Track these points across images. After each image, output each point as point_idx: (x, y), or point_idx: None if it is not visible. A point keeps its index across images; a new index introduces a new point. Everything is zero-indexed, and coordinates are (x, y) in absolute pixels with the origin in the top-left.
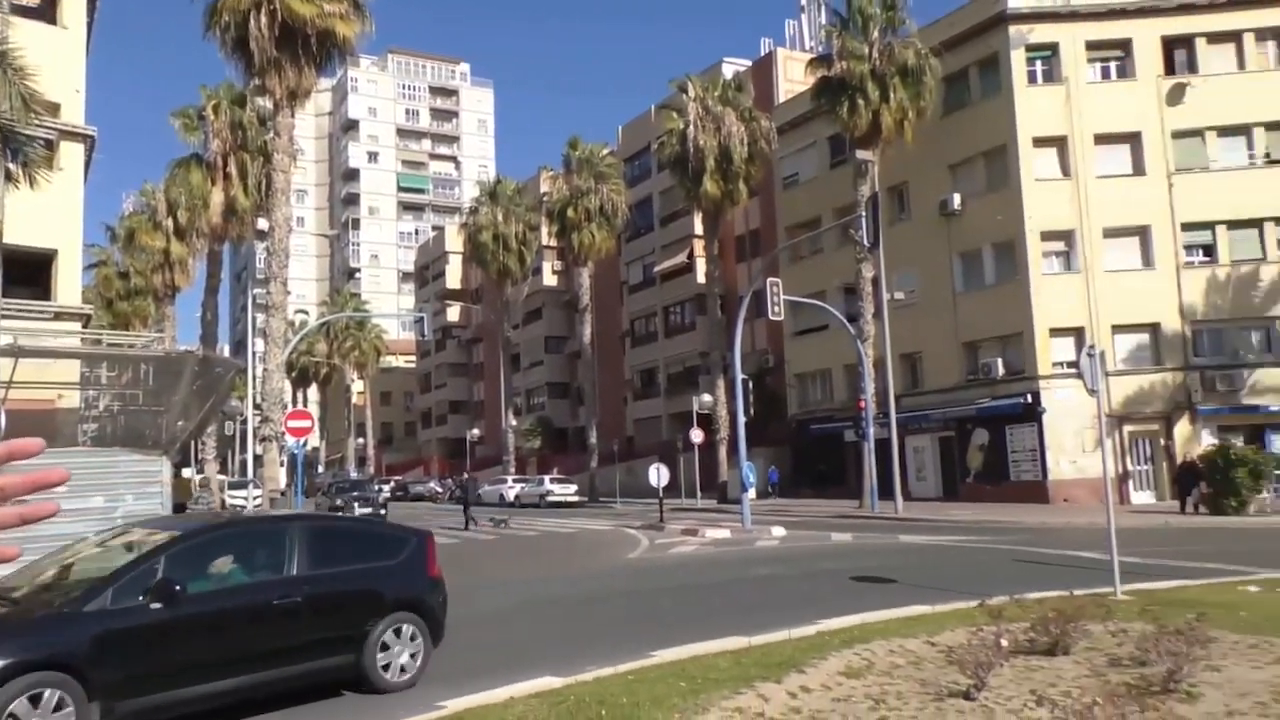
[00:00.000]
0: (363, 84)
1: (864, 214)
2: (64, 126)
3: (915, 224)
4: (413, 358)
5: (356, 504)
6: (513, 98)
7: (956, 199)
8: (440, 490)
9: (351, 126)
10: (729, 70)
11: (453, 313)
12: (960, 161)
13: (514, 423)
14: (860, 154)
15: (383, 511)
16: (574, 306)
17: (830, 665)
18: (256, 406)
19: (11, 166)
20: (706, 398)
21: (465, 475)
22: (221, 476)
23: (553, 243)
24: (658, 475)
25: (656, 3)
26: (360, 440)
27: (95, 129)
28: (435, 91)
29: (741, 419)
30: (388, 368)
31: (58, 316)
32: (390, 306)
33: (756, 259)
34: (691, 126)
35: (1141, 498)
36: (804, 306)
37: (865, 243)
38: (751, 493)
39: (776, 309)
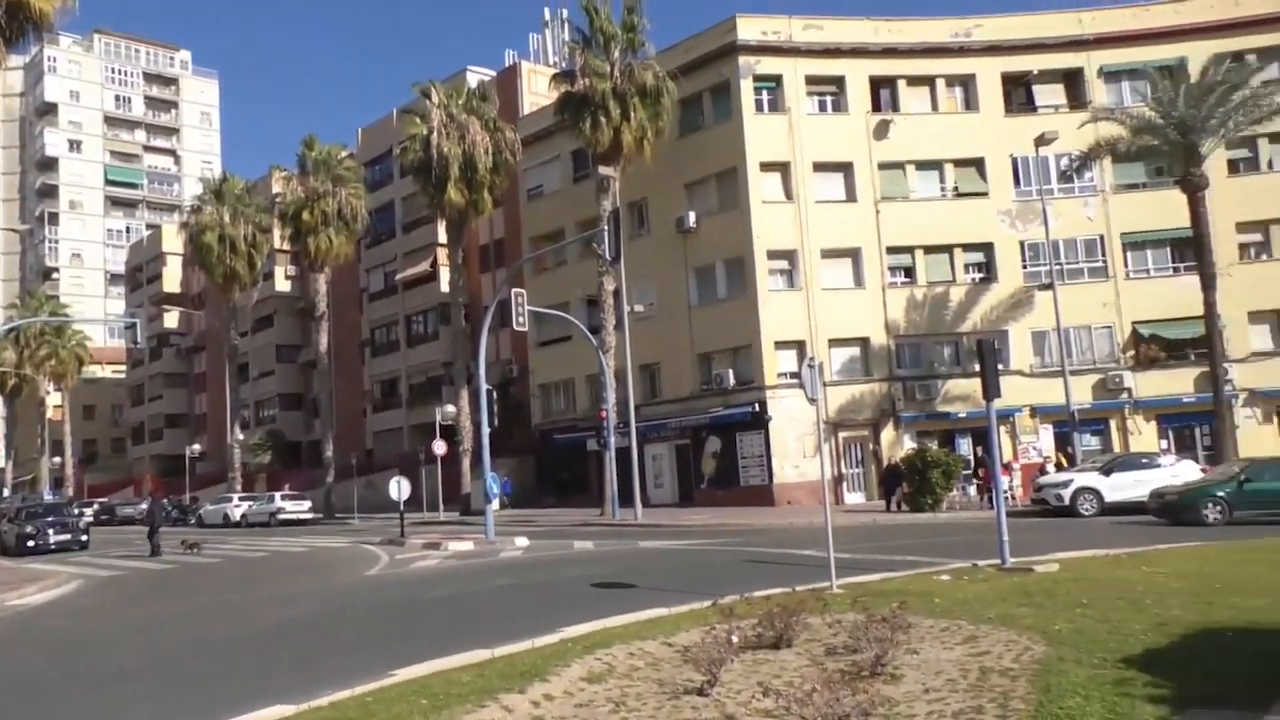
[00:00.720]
0: (63, 64)
1: (606, 228)
2: None
3: (654, 239)
4: (123, 367)
5: (51, 530)
6: (241, 92)
7: (692, 217)
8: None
9: (49, 110)
10: (473, 79)
11: (171, 318)
12: (696, 181)
13: (241, 437)
14: (602, 170)
15: (84, 538)
16: (309, 314)
17: (572, 672)
18: None
19: None
20: (450, 408)
21: (149, 497)
22: None
23: (286, 246)
24: (399, 489)
25: (397, 6)
26: (57, 459)
27: None
28: (151, 79)
29: (486, 430)
30: (92, 378)
31: None
32: (96, 310)
33: (501, 269)
34: (435, 133)
35: (854, 498)
36: (548, 317)
37: (607, 256)
38: (495, 504)
39: (521, 320)
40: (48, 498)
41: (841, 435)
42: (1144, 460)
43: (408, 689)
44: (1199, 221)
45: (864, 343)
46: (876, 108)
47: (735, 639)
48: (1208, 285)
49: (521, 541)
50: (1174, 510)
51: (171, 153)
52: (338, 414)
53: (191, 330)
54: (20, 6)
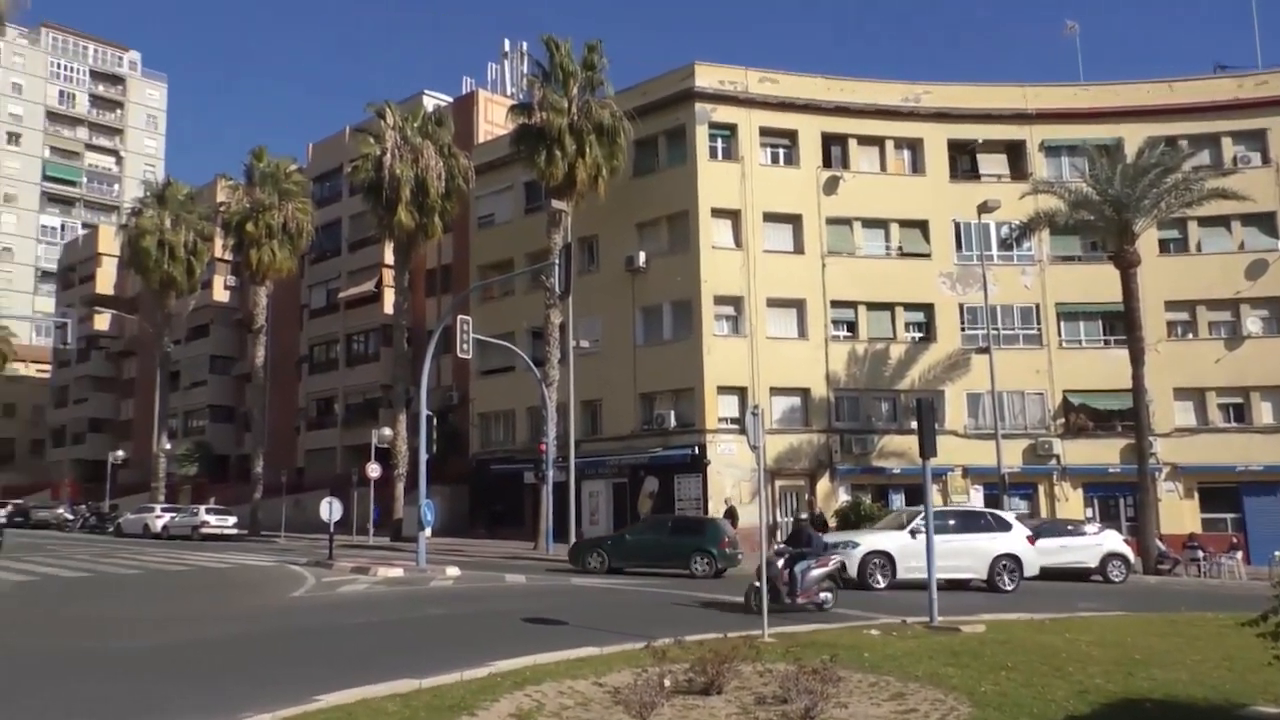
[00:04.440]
0: (6, 55)
1: (557, 262)
2: None
3: (603, 276)
4: (47, 367)
5: None
6: (190, 98)
7: (642, 256)
8: (70, 517)
9: None
10: (430, 103)
11: (102, 321)
12: (647, 221)
13: (168, 446)
14: (555, 204)
15: None
16: (247, 326)
17: (501, 707)
18: None
19: None
20: (387, 431)
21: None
22: None
23: (227, 256)
24: (329, 509)
25: (355, 25)
26: None
27: None
28: (98, 77)
29: (424, 455)
30: (14, 376)
31: None
32: (24, 307)
33: (447, 294)
34: (388, 154)
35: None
36: (492, 346)
37: (557, 290)
38: (428, 531)
39: (465, 347)
40: None
41: (779, 483)
42: (1069, 527)
43: (331, 716)
44: (1130, 296)
45: (805, 393)
46: (827, 163)
47: (667, 683)
48: (1136, 360)
49: (453, 571)
50: None
51: (114, 153)
52: (270, 430)
53: (123, 334)
54: None
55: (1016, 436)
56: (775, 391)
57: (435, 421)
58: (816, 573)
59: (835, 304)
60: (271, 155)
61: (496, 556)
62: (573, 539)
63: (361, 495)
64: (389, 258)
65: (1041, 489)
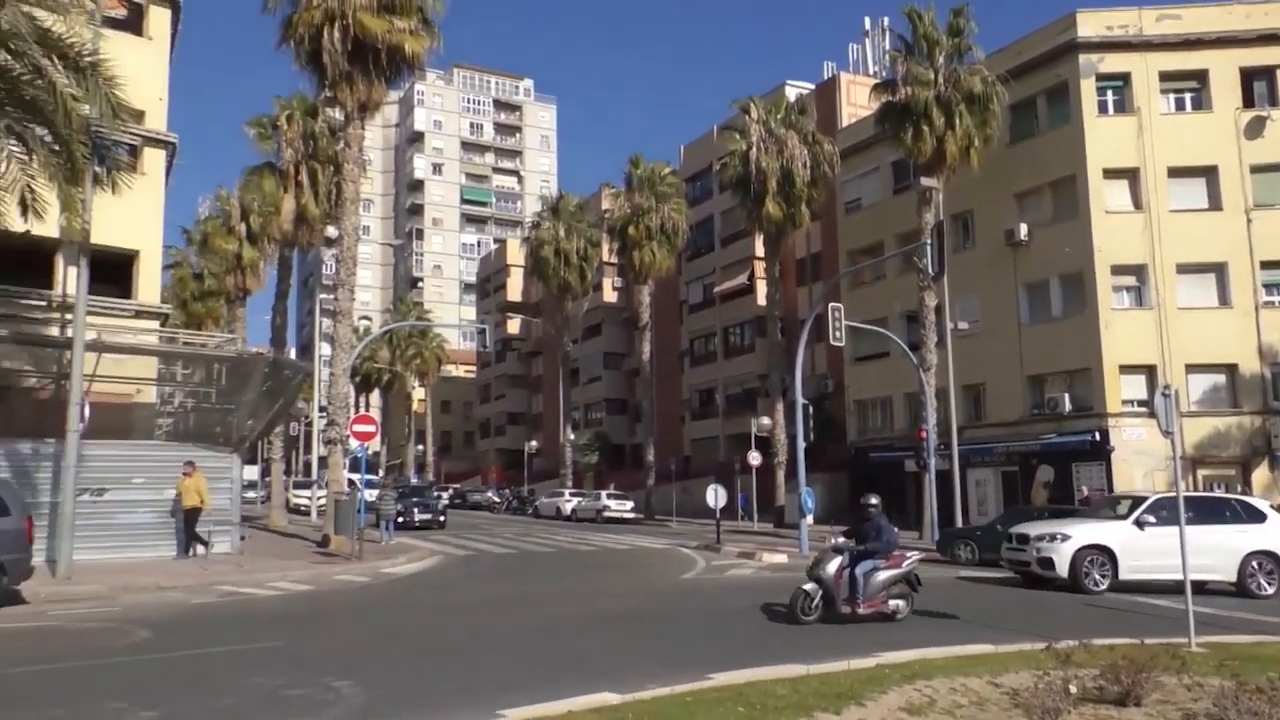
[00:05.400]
0: (429, 97)
1: (929, 241)
2: (147, 133)
3: (980, 253)
4: (473, 368)
5: (417, 510)
6: (575, 115)
7: (1023, 229)
8: (497, 500)
9: (417, 139)
10: (792, 93)
11: (513, 325)
12: (1027, 191)
13: (572, 437)
14: (924, 181)
15: (442, 519)
16: (633, 324)
17: (890, 700)
18: (322, 409)
19: (98, 170)
20: (765, 420)
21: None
22: (286, 476)
23: (613, 259)
24: (715, 496)
25: (717, 25)
26: (420, 447)
27: (176, 136)
28: (500, 106)
29: (801, 444)
30: (448, 377)
31: (138, 315)
32: (452, 316)
33: (817, 283)
34: (754, 148)
35: None
36: (865, 332)
37: (930, 271)
38: (810, 518)
39: (838, 334)
40: (413, 481)
41: (1201, 473)
42: None
43: (725, 694)
44: None
45: (1231, 369)
46: (1248, 103)
47: (1073, 689)
48: None
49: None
50: None
51: (515, 173)
52: (658, 420)
53: (530, 336)
54: (396, 50)
55: None
56: (1192, 369)
57: (811, 410)
58: (884, 575)
59: (1267, 264)
60: (647, 161)
61: None
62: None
63: (744, 482)
64: (759, 250)
65: None
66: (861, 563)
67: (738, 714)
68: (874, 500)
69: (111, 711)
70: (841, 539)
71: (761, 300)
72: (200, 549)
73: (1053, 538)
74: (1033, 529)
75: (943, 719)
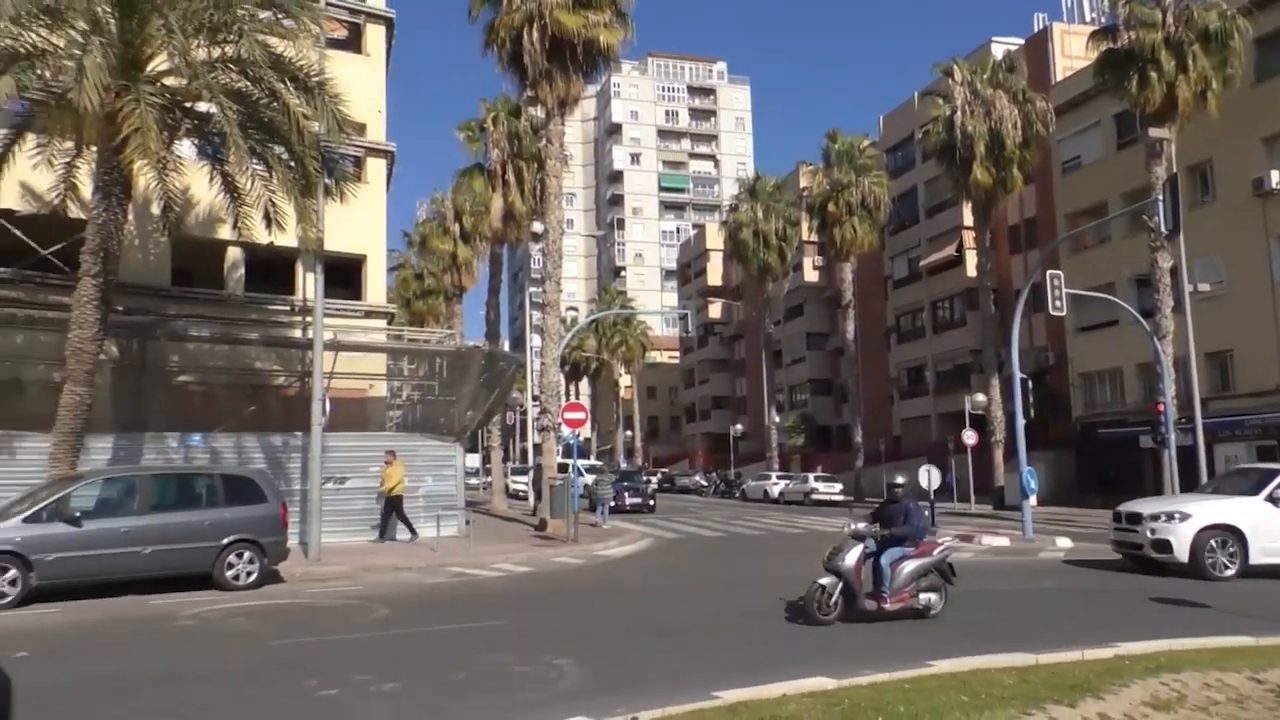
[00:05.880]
0: (624, 88)
1: (1160, 197)
2: (369, 144)
3: (1221, 206)
4: (676, 353)
5: (627, 494)
6: (769, 94)
7: (1274, 176)
8: (705, 483)
9: (615, 130)
10: (998, 50)
11: (714, 309)
12: (1278, 134)
13: (777, 419)
14: (1153, 132)
15: (651, 502)
16: (835, 302)
17: (1133, 694)
18: (535, 398)
19: (328, 182)
20: (979, 397)
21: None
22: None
23: (813, 238)
24: (928, 477)
25: None
26: (628, 432)
27: (394, 145)
28: (694, 91)
29: (1020, 421)
30: (652, 363)
31: (368, 315)
32: (654, 303)
33: (1033, 250)
34: (958, 112)
35: None
36: (1089, 300)
37: (1163, 229)
38: (1033, 500)
39: (1058, 303)
40: (622, 465)
41: None
42: None
43: (946, 681)
44: None
45: None
46: None
47: None
48: None
49: (1063, 542)
50: None
51: (711, 158)
52: (864, 400)
53: (731, 320)
54: (592, 44)
55: None
56: None
57: (1030, 385)
58: (913, 566)
59: None
60: (845, 134)
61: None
62: None
63: (959, 463)
64: (968, 219)
65: None
66: (888, 550)
67: (960, 703)
68: (900, 480)
69: (358, 682)
70: (863, 524)
71: (971, 271)
72: (406, 534)
73: (1170, 517)
74: (1146, 507)
75: (1195, 715)
